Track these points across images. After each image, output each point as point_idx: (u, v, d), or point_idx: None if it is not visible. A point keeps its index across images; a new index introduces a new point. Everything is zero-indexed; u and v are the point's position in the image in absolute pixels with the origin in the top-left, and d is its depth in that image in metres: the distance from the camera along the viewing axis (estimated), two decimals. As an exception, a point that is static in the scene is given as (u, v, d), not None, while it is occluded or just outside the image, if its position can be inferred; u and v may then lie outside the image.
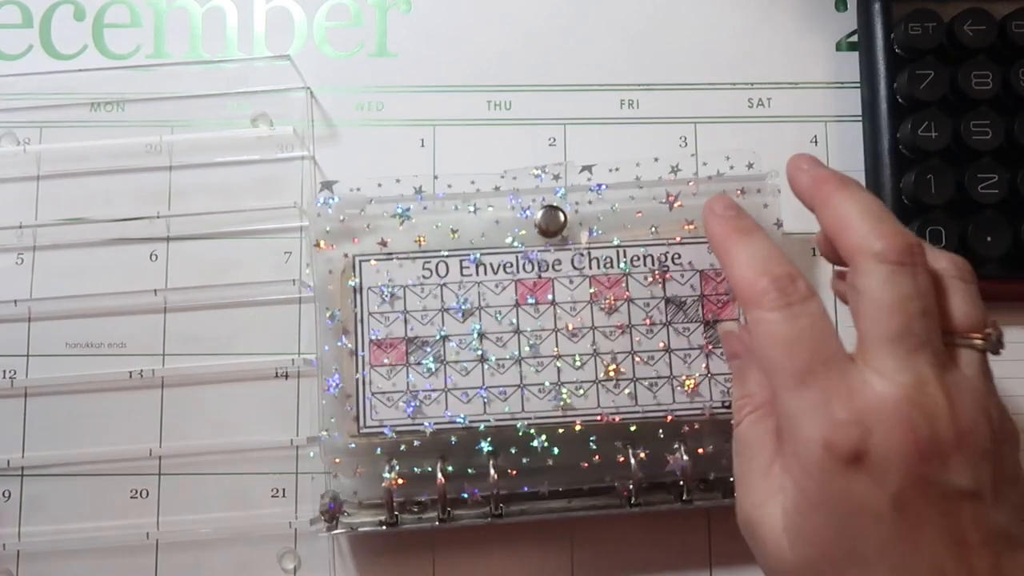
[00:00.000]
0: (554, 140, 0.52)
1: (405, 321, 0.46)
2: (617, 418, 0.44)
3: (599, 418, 0.44)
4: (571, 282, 0.45)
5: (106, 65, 0.52)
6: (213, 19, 0.53)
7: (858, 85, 0.52)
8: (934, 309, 0.34)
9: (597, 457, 0.45)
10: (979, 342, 0.35)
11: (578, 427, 0.44)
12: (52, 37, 0.53)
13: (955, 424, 0.33)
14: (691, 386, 0.44)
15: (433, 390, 0.45)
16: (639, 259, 0.45)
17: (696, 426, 0.45)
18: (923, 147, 0.48)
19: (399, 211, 0.45)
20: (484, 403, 0.45)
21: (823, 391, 0.33)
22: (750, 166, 0.49)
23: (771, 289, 0.35)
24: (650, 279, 0.45)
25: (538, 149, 0.51)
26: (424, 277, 0.46)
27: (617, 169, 0.46)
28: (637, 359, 0.45)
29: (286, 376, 0.49)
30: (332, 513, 0.45)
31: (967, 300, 0.36)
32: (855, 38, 0.53)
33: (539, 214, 0.43)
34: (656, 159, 0.46)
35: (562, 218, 0.43)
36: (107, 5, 0.53)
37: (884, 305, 0.34)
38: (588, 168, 0.46)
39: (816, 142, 0.52)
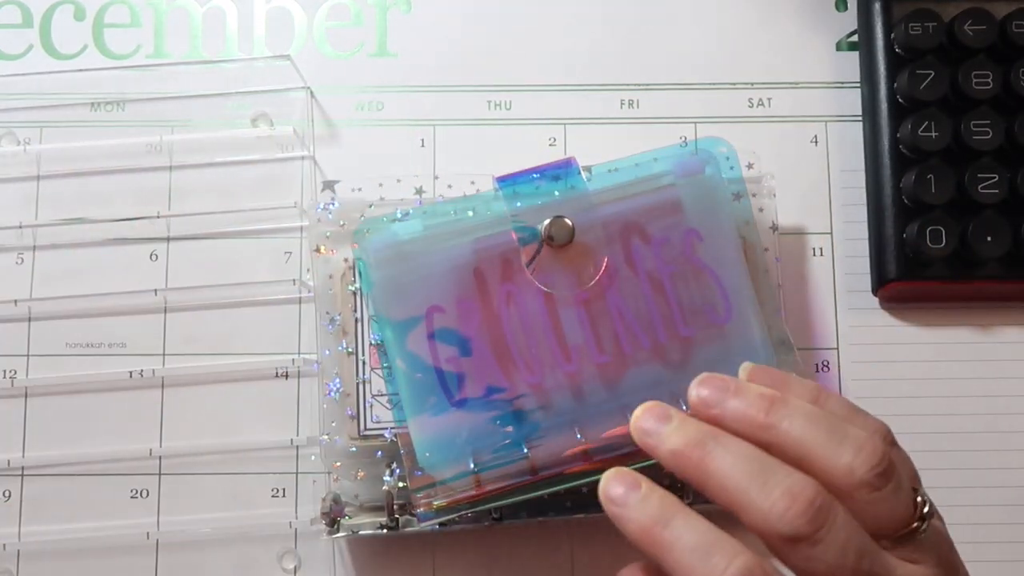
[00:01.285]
0: (554, 140, 0.52)
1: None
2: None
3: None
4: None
5: (106, 65, 0.52)
6: (213, 19, 0.53)
7: (858, 85, 0.52)
8: (862, 540, 0.32)
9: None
10: (912, 534, 0.34)
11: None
12: (52, 37, 0.53)
13: None
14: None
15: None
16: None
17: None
18: (923, 147, 0.48)
19: (399, 216, 0.45)
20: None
21: None
22: (750, 166, 0.49)
23: None
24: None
25: (538, 149, 0.51)
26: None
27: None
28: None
29: (286, 376, 0.49)
30: (333, 516, 0.45)
31: (887, 506, 0.33)
32: (855, 38, 0.53)
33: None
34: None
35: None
36: (107, 5, 0.53)
37: None
38: (588, 168, 0.46)
39: (816, 142, 0.52)
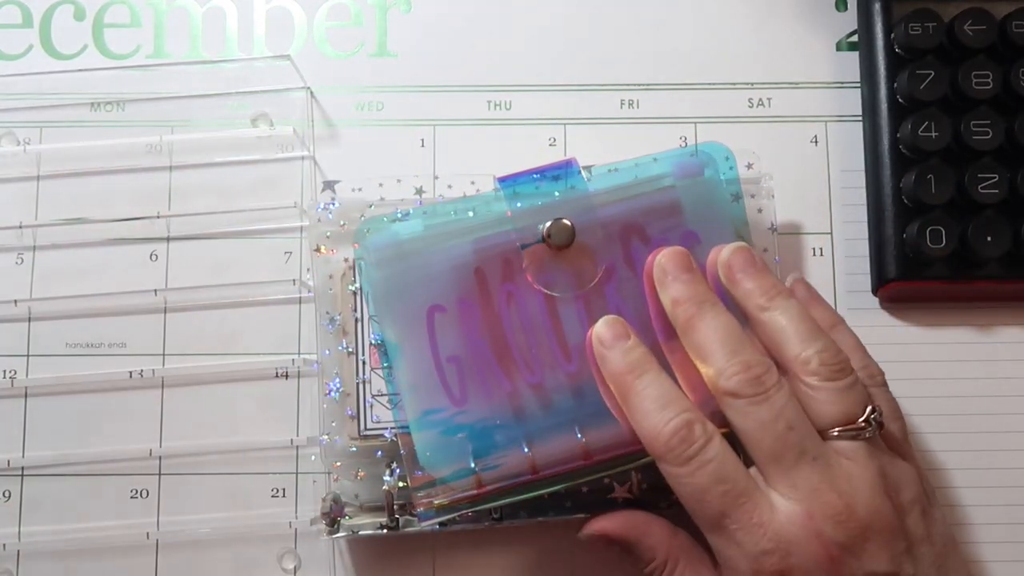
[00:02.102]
0: (554, 140, 0.52)
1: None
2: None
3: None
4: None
5: (106, 65, 0.52)
6: (213, 19, 0.53)
7: (858, 85, 0.52)
8: (798, 419, 0.38)
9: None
10: (855, 431, 0.38)
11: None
12: (52, 37, 0.53)
13: (856, 518, 0.37)
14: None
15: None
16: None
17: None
18: (923, 147, 0.48)
19: (399, 216, 0.45)
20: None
21: (740, 529, 0.37)
22: (749, 166, 0.49)
23: (673, 444, 0.38)
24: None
25: (538, 149, 0.51)
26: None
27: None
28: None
29: (286, 376, 0.49)
30: (333, 516, 0.45)
31: (832, 397, 0.38)
32: (855, 38, 0.53)
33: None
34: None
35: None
36: (107, 5, 0.53)
37: (751, 435, 0.38)
38: (588, 168, 0.46)
39: (816, 142, 0.52)
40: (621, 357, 0.40)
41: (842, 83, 0.52)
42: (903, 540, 0.37)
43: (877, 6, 0.50)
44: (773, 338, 0.40)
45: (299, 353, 0.49)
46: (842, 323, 0.44)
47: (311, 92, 0.52)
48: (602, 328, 0.41)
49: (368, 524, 0.46)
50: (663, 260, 0.41)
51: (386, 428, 0.46)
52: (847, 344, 0.42)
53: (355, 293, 0.47)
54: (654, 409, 0.39)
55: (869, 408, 0.38)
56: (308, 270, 0.50)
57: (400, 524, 0.45)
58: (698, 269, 0.41)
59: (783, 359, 0.39)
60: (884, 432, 0.40)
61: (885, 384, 0.43)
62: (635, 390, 0.39)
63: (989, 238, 0.47)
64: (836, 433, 0.38)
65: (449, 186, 0.49)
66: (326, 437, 0.46)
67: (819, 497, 0.37)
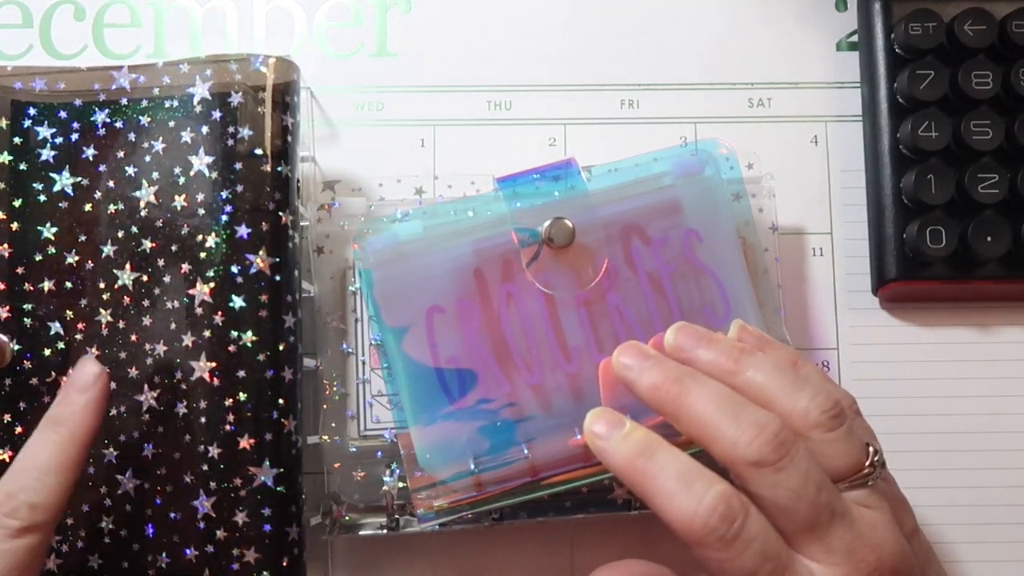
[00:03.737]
0: (554, 140, 0.52)
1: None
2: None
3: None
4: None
5: (106, 65, 0.52)
6: (213, 19, 0.53)
7: (858, 85, 0.52)
8: (822, 476, 0.35)
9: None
10: (864, 477, 0.36)
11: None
12: (52, 37, 0.53)
13: (886, 567, 0.35)
14: None
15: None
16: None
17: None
18: (923, 147, 0.48)
19: (399, 216, 0.45)
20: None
21: None
22: (750, 166, 0.49)
23: (714, 523, 0.34)
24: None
25: (538, 149, 0.51)
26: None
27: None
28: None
29: (286, 376, 0.49)
30: (333, 516, 0.45)
31: (841, 448, 0.36)
32: (855, 38, 0.53)
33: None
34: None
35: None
36: (107, 5, 0.53)
37: (785, 506, 0.34)
38: (588, 169, 0.46)
39: (816, 142, 0.52)
40: (622, 445, 0.36)
41: (842, 83, 0.52)
42: (917, 570, 0.36)
43: (877, 6, 0.50)
44: (756, 399, 0.36)
45: (299, 353, 0.49)
46: (801, 358, 0.40)
47: (311, 92, 0.52)
48: (593, 422, 0.37)
49: (368, 524, 0.46)
50: (621, 357, 0.38)
51: (386, 428, 0.46)
52: (816, 379, 0.39)
53: (355, 294, 0.47)
54: (679, 489, 0.34)
55: (871, 449, 0.37)
56: (308, 271, 0.49)
57: (400, 524, 0.45)
58: (658, 353, 0.38)
59: (776, 413, 0.36)
60: None
61: (859, 411, 0.40)
62: (650, 474, 0.35)
63: (989, 238, 0.47)
64: (848, 484, 0.36)
65: (449, 186, 0.49)
66: (326, 437, 0.46)
67: (855, 556, 0.34)
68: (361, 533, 0.46)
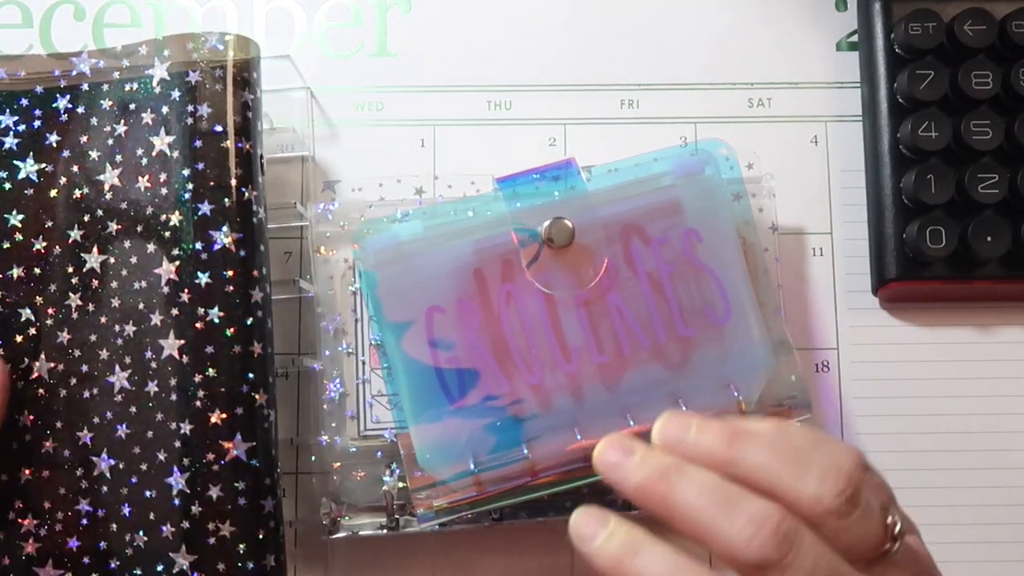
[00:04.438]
0: (554, 140, 0.52)
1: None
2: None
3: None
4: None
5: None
6: (213, 19, 0.53)
7: (858, 85, 0.52)
8: (837, 562, 0.32)
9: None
10: (887, 551, 0.34)
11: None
12: (52, 37, 0.53)
13: None
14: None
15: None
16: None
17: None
18: (923, 147, 0.48)
19: (399, 217, 0.45)
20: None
21: None
22: (750, 166, 0.49)
23: None
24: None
25: (538, 149, 0.51)
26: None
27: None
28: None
29: (286, 376, 0.49)
30: (333, 516, 0.45)
31: (860, 532, 0.33)
32: (855, 38, 0.53)
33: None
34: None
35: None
36: (107, 5, 0.53)
37: None
38: (588, 169, 0.46)
39: (816, 142, 0.52)
40: (606, 546, 0.34)
41: (842, 83, 0.52)
42: None
43: (877, 6, 0.50)
44: (761, 484, 0.33)
45: (299, 353, 0.49)
46: (783, 423, 0.36)
47: (311, 92, 0.52)
48: (578, 525, 0.35)
49: (368, 524, 0.46)
50: (604, 455, 0.36)
51: (386, 428, 0.46)
52: (806, 442, 0.35)
53: (355, 294, 0.47)
54: None
55: (890, 521, 0.34)
56: (308, 271, 0.50)
57: (400, 524, 0.45)
58: (643, 445, 0.36)
59: (782, 501, 0.33)
60: None
61: (868, 465, 0.36)
62: (636, 573, 0.33)
63: (989, 238, 0.47)
64: (863, 565, 0.33)
65: (449, 186, 0.49)
66: (326, 437, 0.46)
67: None
68: (361, 533, 0.46)
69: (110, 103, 0.45)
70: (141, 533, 0.43)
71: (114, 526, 0.43)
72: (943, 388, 0.49)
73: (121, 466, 0.43)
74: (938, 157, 0.48)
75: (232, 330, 0.42)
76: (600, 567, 0.34)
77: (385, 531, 0.45)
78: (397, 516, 0.45)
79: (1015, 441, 0.49)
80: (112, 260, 0.44)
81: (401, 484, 0.45)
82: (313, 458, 0.48)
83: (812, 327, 0.50)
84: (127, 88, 0.45)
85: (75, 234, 0.45)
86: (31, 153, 0.46)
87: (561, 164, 0.45)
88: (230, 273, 0.43)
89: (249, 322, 0.43)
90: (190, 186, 0.43)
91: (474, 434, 0.43)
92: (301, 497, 0.48)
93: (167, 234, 0.43)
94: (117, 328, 0.44)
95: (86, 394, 0.44)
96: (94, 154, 0.45)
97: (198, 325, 0.42)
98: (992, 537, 0.48)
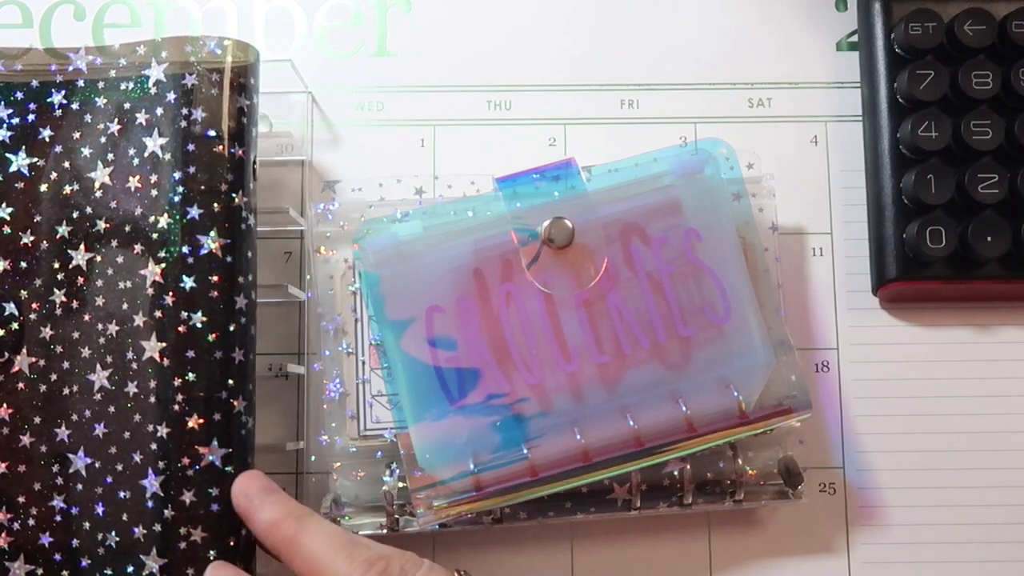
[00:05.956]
0: (554, 140, 0.52)
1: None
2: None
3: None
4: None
5: (106, 65, 0.52)
6: (213, 19, 0.53)
7: (858, 85, 0.52)
8: None
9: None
10: None
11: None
12: (52, 37, 0.53)
13: None
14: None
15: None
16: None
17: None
18: (923, 147, 0.48)
19: (399, 217, 0.45)
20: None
21: None
22: (750, 166, 0.49)
23: None
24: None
25: (538, 149, 0.51)
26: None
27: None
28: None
29: (286, 376, 0.49)
30: (333, 516, 0.45)
31: None
32: (855, 38, 0.53)
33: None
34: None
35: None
36: (107, 5, 0.53)
37: None
38: (588, 168, 0.46)
39: (816, 142, 0.52)
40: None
41: (842, 83, 0.52)
42: None
43: (877, 6, 0.50)
44: None
45: (299, 353, 0.49)
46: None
47: (312, 95, 0.52)
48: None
49: (368, 524, 0.46)
50: (242, 487, 0.41)
51: (386, 428, 0.46)
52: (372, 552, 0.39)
53: (355, 294, 0.47)
54: None
55: None
56: (308, 276, 0.49)
57: (400, 524, 0.45)
58: (280, 489, 0.41)
59: None
60: None
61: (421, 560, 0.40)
62: None
63: (989, 238, 0.47)
64: None
65: (449, 186, 0.49)
66: (326, 437, 0.46)
67: None
68: (361, 533, 0.46)
69: (105, 101, 0.45)
70: (113, 533, 0.43)
71: (87, 525, 0.43)
72: (943, 388, 0.49)
73: (97, 465, 0.43)
74: (938, 157, 0.48)
75: (214, 335, 0.42)
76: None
77: (385, 531, 0.45)
78: (397, 516, 0.45)
79: (1015, 441, 0.49)
80: (98, 258, 0.44)
81: (401, 484, 0.45)
82: (313, 458, 0.48)
83: (812, 327, 0.50)
84: (123, 87, 0.45)
85: (63, 230, 0.45)
86: (23, 147, 0.46)
87: (561, 164, 0.45)
88: (215, 278, 0.42)
89: (231, 328, 0.43)
90: (180, 189, 0.43)
91: (477, 433, 0.43)
92: (301, 497, 0.48)
93: (154, 236, 0.43)
94: (100, 327, 0.44)
95: (66, 391, 0.44)
96: (86, 151, 0.45)
97: (180, 329, 0.42)
98: (992, 537, 0.48)
